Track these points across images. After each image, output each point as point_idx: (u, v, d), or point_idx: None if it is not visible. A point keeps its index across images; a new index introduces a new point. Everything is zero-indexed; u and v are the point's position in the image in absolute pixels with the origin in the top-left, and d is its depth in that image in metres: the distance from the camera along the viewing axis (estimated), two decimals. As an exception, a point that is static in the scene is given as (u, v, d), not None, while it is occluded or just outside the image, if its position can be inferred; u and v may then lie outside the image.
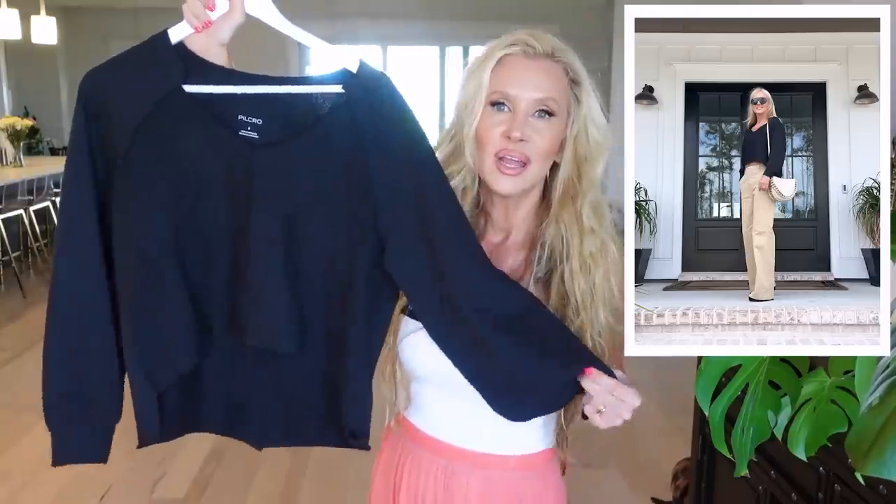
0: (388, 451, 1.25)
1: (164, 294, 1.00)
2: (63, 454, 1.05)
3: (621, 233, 0.96)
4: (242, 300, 1.02)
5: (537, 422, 1.15)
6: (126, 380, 1.04)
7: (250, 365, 1.06)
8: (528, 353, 1.01)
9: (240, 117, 0.98)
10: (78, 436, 1.05)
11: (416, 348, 1.11)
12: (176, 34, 0.98)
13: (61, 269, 1.01)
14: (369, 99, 0.98)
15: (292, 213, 0.99)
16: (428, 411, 1.18)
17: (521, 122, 1.07)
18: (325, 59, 1.01)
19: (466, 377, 1.03)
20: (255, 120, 0.98)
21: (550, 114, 1.08)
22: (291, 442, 1.12)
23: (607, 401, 0.96)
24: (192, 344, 1.02)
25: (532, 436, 1.16)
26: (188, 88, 0.97)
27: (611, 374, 0.98)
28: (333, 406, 1.05)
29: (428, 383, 1.15)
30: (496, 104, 1.08)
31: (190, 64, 0.98)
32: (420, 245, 1.00)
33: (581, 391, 0.99)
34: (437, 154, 1.06)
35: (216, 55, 0.99)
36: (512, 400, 1.03)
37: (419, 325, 1.06)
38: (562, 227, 1.11)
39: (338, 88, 0.98)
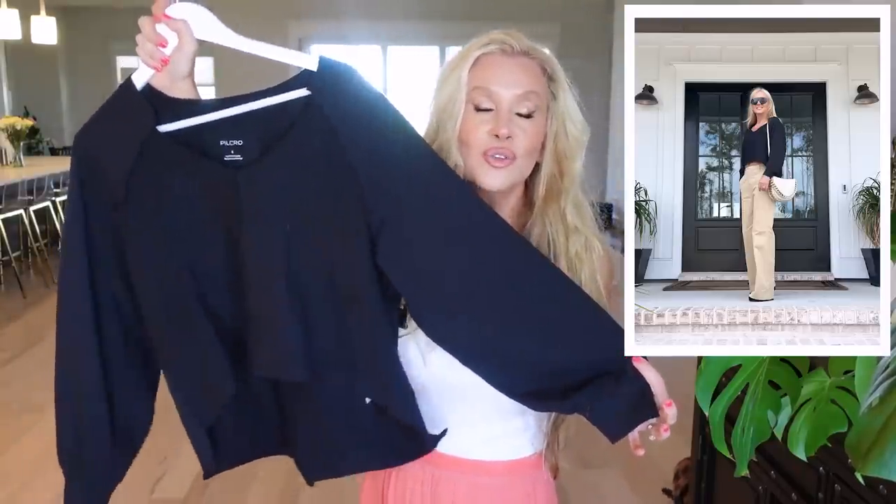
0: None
1: (190, 331, 1.01)
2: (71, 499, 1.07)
3: (621, 233, 0.96)
4: (251, 331, 1.00)
5: (526, 427, 1.14)
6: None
7: (283, 395, 1.05)
8: (555, 340, 0.97)
9: (222, 143, 0.97)
10: (78, 490, 1.07)
11: (406, 347, 1.08)
12: (139, 78, 0.97)
13: (62, 335, 1.03)
14: (335, 94, 0.95)
15: (285, 230, 0.97)
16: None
17: (506, 119, 1.06)
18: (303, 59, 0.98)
19: (476, 371, 0.99)
20: (236, 142, 0.97)
21: (531, 114, 1.08)
22: (342, 470, 1.09)
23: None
24: (227, 374, 1.01)
25: (520, 441, 1.16)
26: (163, 129, 0.96)
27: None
28: (382, 420, 1.02)
29: (417, 388, 1.11)
30: (477, 106, 1.07)
31: (158, 104, 0.97)
32: (417, 231, 0.96)
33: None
34: None
35: (181, 89, 0.99)
36: (529, 390, 0.99)
37: (403, 330, 1.05)
38: (547, 226, 1.10)
39: (303, 91, 0.96)
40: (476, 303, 0.97)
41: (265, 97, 0.96)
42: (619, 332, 0.94)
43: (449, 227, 0.98)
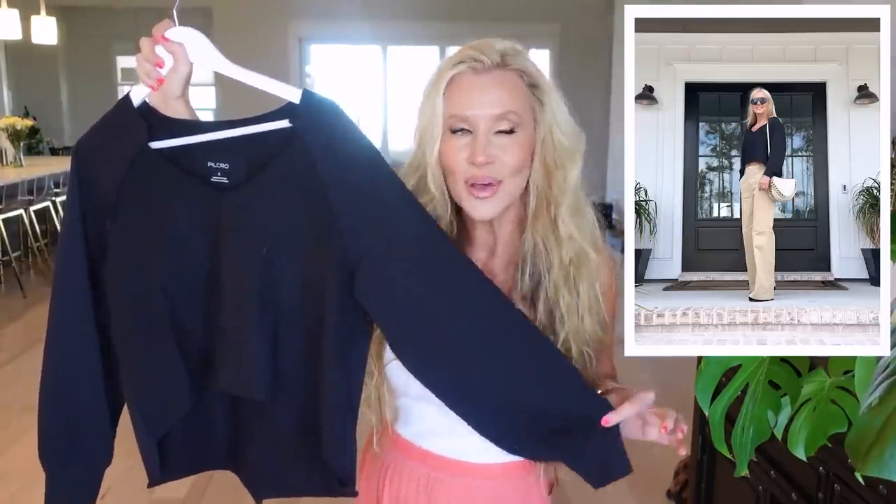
0: (370, 459, 1.23)
1: (155, 344, 1.02)
2: (54, 496, 1.08)
3: (621, 233, 0.96)
4: (217, 348, 1.02)
5: None
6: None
7: (242, 412, 1.07)
8: (526, 387, 0.99)
9: (210, 164, 1.00)
10: (69, 477, 1.08)
11: (403, 369, 1.06)
12: (136, 95, 1.01)
13: (54, 322, 1.04)
14: (315, 127, 0.97)
15: (261, 254, 0.99)
16: (414, 422, 1.16)
17: (484, 143, 1.03)
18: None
19: (453, 409, 1.00)
20: (223, 165, 1.00)
21: (512, 130, 1.03)
22: (284, 492, 1.10)
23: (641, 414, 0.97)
24: (185, 391, 1.04)
25: None
26: (154, 145, 0.99)
27: (606, 404, 0.98)
28: (317, 453, 1.03)
29: (419, 399, 1.11)
30: (456, 131, 1.05)
31: (153, 121, 1.00)
32: (392, 268, 0.98)
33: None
34: (408, 185, 1.03)
35: (174, 108, 1.02)
36: (504, 432, 1.01)
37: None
38: (538, 239, 1.08)
39: (285, 123, 0.98)
40: (449, 341, 0.99)
41: (250, 124, 0.99)
42: (584, 385, 0.99)
43: (426, 268, 0.99)
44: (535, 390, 1.00)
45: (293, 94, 0.98)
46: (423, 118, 1.07)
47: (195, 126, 1.01)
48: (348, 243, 0.96)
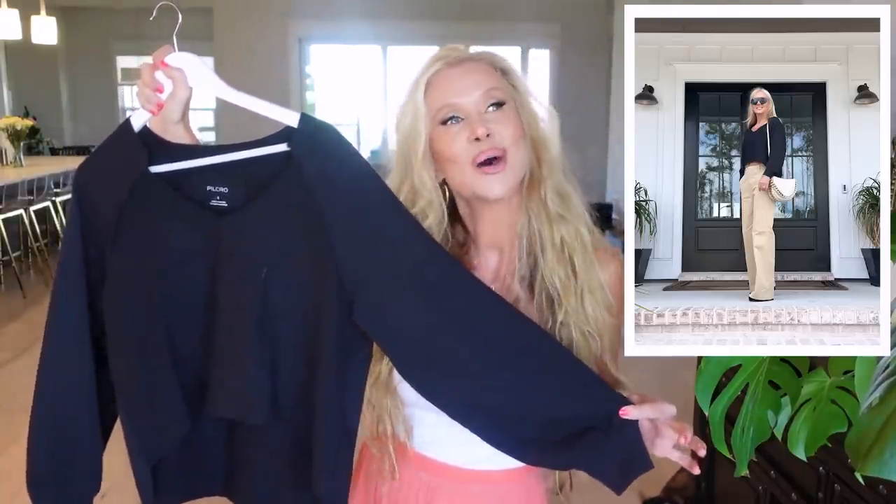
0: (367, 463, 1.23)
1: (151, 370, 1.02)
2: None
3: (621, 233, 0.96)
4: (215, 373, 1.02)
5: None
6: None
7: (237, 437, 1.06)
8: (541, 397, 0.98)
9: (208, 188, 1.00)
10: None
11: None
12: (137, 120, 1.01)
13: (51, 354, 1.04)
14: (313, 151, 0.97)
15: (261, 277, 0.98)
16: (419, 430, 1.15)
17: (479, 120, 1.06)
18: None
19: (465, 426, 0.99)
20: (222, 189, 1.00)
21: (500, 103, 1.08)
22: None
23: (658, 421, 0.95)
24: (181, 416, 1.03)
25: None
26: (154, 170, 0.99)
27: (625, 400, 0.96)
28: (308, 476, 1.02)
29: (431, 410, 1.07)
30: (446, 121, 1.07)
31: (153, 146, 1.00)
32: (391, 294, 0.97)
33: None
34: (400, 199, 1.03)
35: (174, 133, 1.02)
36: (520, 444, 1.00)
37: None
38: (532, 217, 1.10)
39: (283, 147, 0.98)
40: (456, 360, 0.98)
41: (247, 149, 1.00)
42: (600, 386, 0.97)
43: (426, 287, 0.98)
44: (552, 399, 0.98)
45: (291, 118, 0.98)
46: (403, 123, 1.10)
47: (194, 150, 1.02)
48: (345, 268, 0.96)
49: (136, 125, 1.01)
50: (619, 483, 0.96)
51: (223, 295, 1.00)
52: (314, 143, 0.97)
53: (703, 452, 0.97)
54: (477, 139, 1.05)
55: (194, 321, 1.02)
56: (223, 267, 0.99)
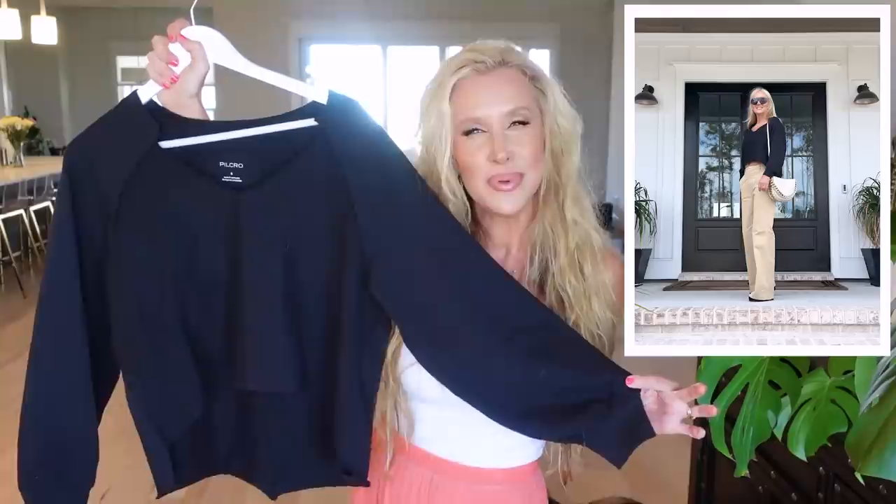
0: (371, 459, 1.23)
1: (166, 348, 1.02)
2: None
3: (621, 233, 0.96)
4: (239, 347, 1.02)
5: (532, 439, 1.13)
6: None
7: (255, 410, 1.06)
8: (545, 370, 0.98)
9: (221, 164, 0.99)
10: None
11: (421, 373, 1.05)
12: (145, 93, 0.99)
13: (41, 337, 1.04)
14: (342, 127, 0.98)
15: (284, 252, 0.99)
16: (422, 425, 1.15)
17: (501, 141, 1.04)
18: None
19: (470, 402, 1.00)
20: (236, 165, 0.99)
21: (525, 122, 1.05)
22: (299, 485, 1.11)
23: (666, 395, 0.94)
24: (197, 395, 1.03)
25: (522, 451, 1.15)
26: (164, 144, 0.98)
27: (627, 373, 0.96)
28: (331, 444, 1.04)
29: (432, 403, 1.11)
30: (469, 132, 1.06)
31: (163, 120, 0.99)
32: (409, 265, 0.99)
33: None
34: None
35: (188, 107, 1.01)
36: (523, 417, 1.00)
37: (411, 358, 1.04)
38: (546, 224, 1.09)
39: (311, 122, 0.98)
40: (466, 333, 1.00)
41: (272, 123, 0.99)
42: (604, 359, 0.99)
43: (441, 261, 1.00)
44: (557, 371, 0.99)
45: (319, 94, 0.98)
46: (429, 124, 1.08)
47: (209, 126, 1.00)
48: (366, 239, 0.97)
49: (144, 98, 0.99)
50: (620, 454, 0.96)
51: (247, 271, 0.99)
52: (342, 117, 0.98)
53: (703, 391, 0.94)
54: (496, 161, 1.04)
55: (213, 298, 1.02)
56: (244, 243, 0.99)
